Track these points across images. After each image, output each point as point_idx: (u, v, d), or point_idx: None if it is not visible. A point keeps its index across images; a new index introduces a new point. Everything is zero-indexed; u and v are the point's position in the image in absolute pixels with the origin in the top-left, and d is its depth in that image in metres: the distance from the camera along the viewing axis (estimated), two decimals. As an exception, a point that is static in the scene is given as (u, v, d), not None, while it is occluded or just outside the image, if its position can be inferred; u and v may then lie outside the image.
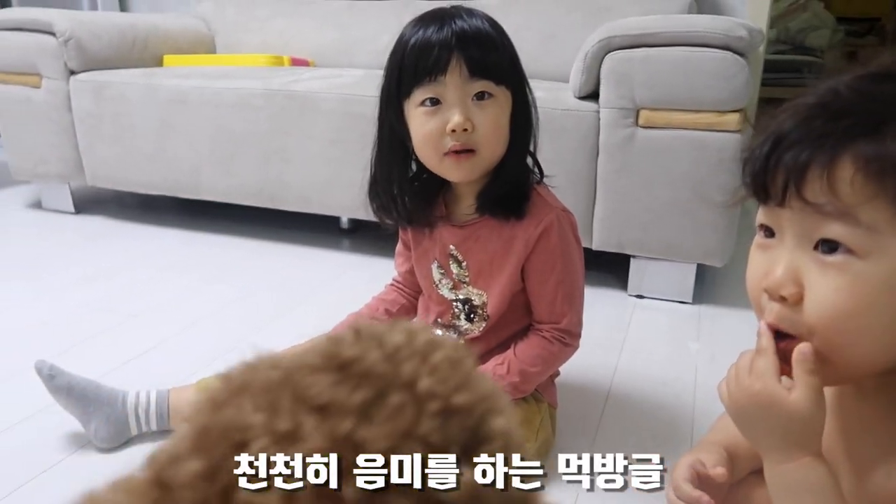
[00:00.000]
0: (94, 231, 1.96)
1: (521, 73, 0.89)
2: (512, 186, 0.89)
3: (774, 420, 0.49)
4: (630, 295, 1.51)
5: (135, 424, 0.96)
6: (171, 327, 1.32)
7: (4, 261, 1.71)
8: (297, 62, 2.14)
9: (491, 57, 0.83)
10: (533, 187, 0.91)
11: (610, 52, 1.34)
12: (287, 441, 0.24)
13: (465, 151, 0.84)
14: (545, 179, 0.95)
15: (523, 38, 0.92)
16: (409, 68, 0.84)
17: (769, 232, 0.52)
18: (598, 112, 1.39)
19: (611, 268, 1.58)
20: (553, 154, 1.36)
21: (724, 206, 1.33)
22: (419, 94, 0.84)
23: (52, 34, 1.88)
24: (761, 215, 0.52)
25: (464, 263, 0.95)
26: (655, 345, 1.29)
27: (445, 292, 0.97)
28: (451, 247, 0.95)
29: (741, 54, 1.27)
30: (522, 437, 0.28)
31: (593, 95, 1.41)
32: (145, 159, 1.88)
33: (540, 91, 0.94)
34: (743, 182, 0.53)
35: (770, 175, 0.49)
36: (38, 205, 2.17)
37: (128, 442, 0.96)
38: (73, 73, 1.92)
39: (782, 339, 0.51)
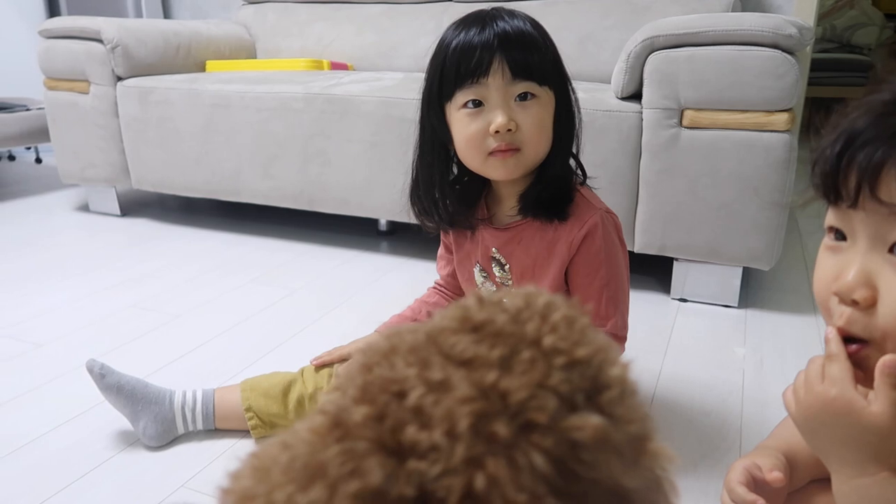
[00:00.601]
0: (139, 233, 2.00)
1: (563, 74, 0.88)
2: (555, 188, 0.88)
3: (850, 430, 0.47)
4: (673, 298, 1.48)
5: (181, 423, 0.97)
6: (214, 328, 1.34)
7: (54, 262, 1.76)
8: (336, 66, 2.16)
9: (533, 58, 0.83)
10: (576, 189, 0.90)
11: (653, 51, 1.32)
12: (440, 389, 0.27)
13: (510, 150, 0.84)
14: (588, 181, 0.94)
15: (561, 39, 0.91)
16: (450, 71, 0.84)
17: (839, 235, 0.50)
18: (640, 113, 1.37)
19: (653, 271, 1.55)
20: (594, 155, 1.35)
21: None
22: (461, 97, 0.84)
23: (100, 41, 1.93)
24: (831, 217, 0.50)
25: (506, 266, 0.94)
26: (700, 349, 1.26)
27: (487, 295, 0.96)
28: (494, 249, 0.94)
29: (790, 52, 1.24)
30: (635, 383, 0.30)
31: (635, 96, 1.39)
32: (188, 163, 1.91)
33: (580, 92, 0.93)
34: (812, 183, 0.50)
35: (842, 175, 0.47)
36: (85, 208, 2.23)
37: (175, 440, 0.97)
38: (119, 79, 1.97)
39: (850, 343, 0.49)
